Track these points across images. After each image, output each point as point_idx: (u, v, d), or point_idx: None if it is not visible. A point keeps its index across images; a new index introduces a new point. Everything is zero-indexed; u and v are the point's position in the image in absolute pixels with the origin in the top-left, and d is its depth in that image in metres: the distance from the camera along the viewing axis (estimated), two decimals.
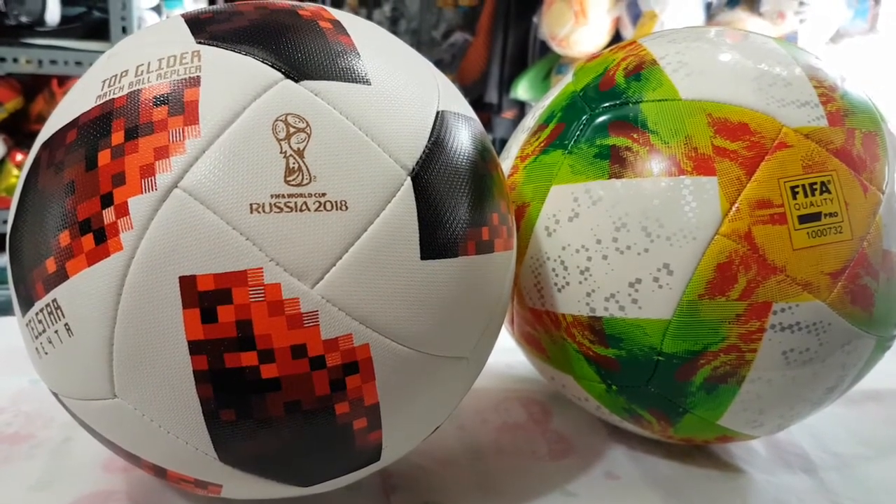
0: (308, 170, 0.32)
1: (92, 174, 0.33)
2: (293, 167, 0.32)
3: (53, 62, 1.56)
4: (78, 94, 0.37)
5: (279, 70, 0.34)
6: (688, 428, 0.47)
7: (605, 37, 1.91)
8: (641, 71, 0.46)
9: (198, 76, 0.34)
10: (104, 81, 0.35)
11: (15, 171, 1.60)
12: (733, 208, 0.41)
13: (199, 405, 0.33)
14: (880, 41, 1.82)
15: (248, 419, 0.33)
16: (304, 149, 0.33)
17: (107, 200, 0.32)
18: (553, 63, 2.02)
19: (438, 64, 2.13)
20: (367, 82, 0.36)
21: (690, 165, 0.42)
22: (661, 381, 0.44)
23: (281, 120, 0.33)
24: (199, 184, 0.32)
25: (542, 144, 0.48)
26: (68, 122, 0.35)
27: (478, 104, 2.11)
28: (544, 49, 1.99)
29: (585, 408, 0.51)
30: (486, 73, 2.05)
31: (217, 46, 0.35)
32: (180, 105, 0.33)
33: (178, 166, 0.32)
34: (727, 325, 0.41)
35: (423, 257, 0.35)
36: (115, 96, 0.34)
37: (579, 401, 0.50)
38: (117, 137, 0.33)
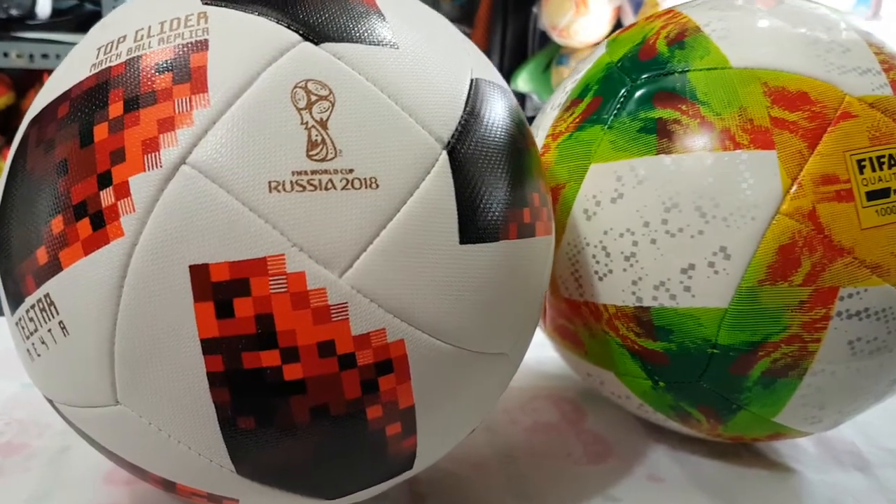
0: (333, 143, 0.29)
1: (87, 151, 0.29)
2: (316, 140, 0.28)
3: (45, 56, 1.52)
4: (69, 64, 0.33)
5: (296, 31, 0.30)
6: (740, 426, 0.43)
7: (607, 26, 1.88)
8: (685, 38, 0.42)
9: (205, 39, 0.30)
10: (99, 49, 0.31)
11: None
12: (795, 185, 0.37)
13: (215, 412, 0.29)
14: (883, 28, 1.79)
15: (270, 427, 0.29)
16: (327, 119, 0.29)
17: (104, 180, 0.28)
18: (553, 54, 1.97)
19: None
20: (394, 46, 0.32)
21: (747, 139, 0.38)
22: (715, 376, 0.40)
23: (300, 86, 0.29)
24: (211, 159, 0.28)
25: (577, 120, 0.44)
26: (59, 94, 0.31)
27: None
28: (544, 40, 1.94)
29: (624, 406, 0.48)
30: None
31: (225, 6, 0.31)
32: (186, 72, 0.29)
33: (185, 140, 0.28)
34: (789, 313, 0.38)
35: (462, 241, 0.31)
36: (112, 64, 0.30)
37: (619, 399, 0.47)
38: (115, 109, 0.29)
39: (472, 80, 0.34)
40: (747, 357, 0.39)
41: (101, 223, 0.28)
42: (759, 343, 0.38)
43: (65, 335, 0.30)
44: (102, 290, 0.28)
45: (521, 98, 2.02)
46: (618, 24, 1.89)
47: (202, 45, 0.30)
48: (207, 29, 0.30)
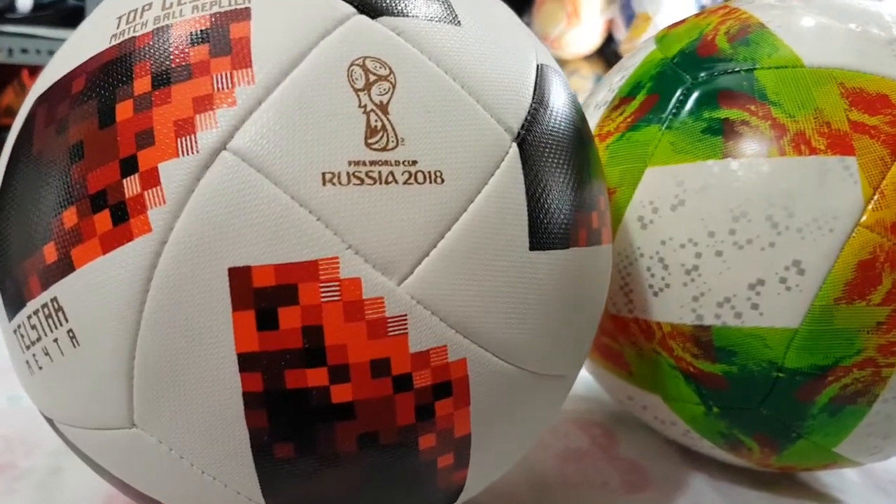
0: (395, 130, 0.25)
1: (108, 132, 0.25)
2: (376, 126, 0.25)
3: (24, 51, 1.46)
4: (83, 35, 0.29)
5: (349, 2, 0.27)
6: (796, 456, 0.40)
7: (598, 38, 1.87)
8: (749, 35, 0.39)
9: (247, 7, 0.26)
10: (121, 18, 0.27)
11: None
12: (877, 194, 0.34)
13: (248, 437, 0.25)
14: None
15: (311, 456, 0.25)
16: (388, 102, 0.25)
17: (129, 166, 0.24)
18: None
19: None
20: (457, 22, 0.28)
21: (823, 143, 0.35)
22: (778, 402, 0.37)
23: (358, 64, 0.25)
24: (256, 145, 0.24)
25: (630, 119, 0.40)
26: (74, 67, 0.27)
27: None
28: None
29: (664, 431, 0.44)
30: None
31: None
32: (226, 43, 0.25)
33: (226, 122, 0.24)
34: (865, 334, 0.35)
35: (532, 247, 0.27)
36: (137, 34, 0.26)
37: (661, 424, 0.43)
38: (141, 85, 0.25)
39: (538, 66, 0.30)
40: (815, 382, 0.36)
41: (123, 216, 0.24)
42: (829, 367, 0.35)
43: (74, 346, 0.25)
44: (123, 295, 0.24)
45: None
46: (609, 37, 1.87)
47: (244, 14, 0.26)
48: None
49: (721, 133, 0.36)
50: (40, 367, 0.27)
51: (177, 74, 0.25)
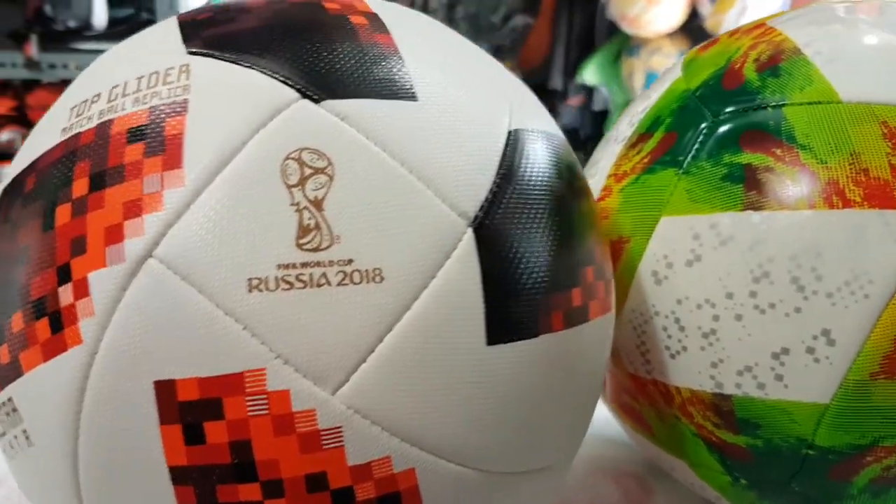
0: (329, 227, 0.23)
1: (48, 237, 0.24)
2: (308, 224, 0.23)
3: None
4: (45, 124, 0.29)
5: (294, 87, 0.25)
6: None
7: (681, 15, 1.75)
8: (780, 63, 0.34)
9: (184, 100, 0.25)
10: (73, 109, 0.27)
11: None
12: None
13: None
14: None
15: None
16: (323, 197, 0.23)
17: (64, 274, 0.24)
18: (623, 44, 1.86)
19: (498, 50, 2.01)
20: (412, 97, 0.26)
21: (860, 193, 0.30)
22: (810, 481, 0.33)
23: (293, 158, 0.24)
24: (182, 252, 0.23)
25: (647, 161, 0.37)
26: (31, 161, 0.27)
27: (540, 92, 1.97)
28: (613, 29, 1.84)
29: (698, 493, 0.41)
30: (549, 58, 1.90)
31: (213, 57, 0.26)
32: (160, 142, 0.24)
33: (153, 228, 0.23)
34: None
35: (490, 342, 0.25)
36: (83, 129, 0.26)
37: (692, 486, 0.40)
38: (80, 187, 0.24)
39: (510, 133, 0.28)
40: (852, 462, 0.32)
41: (59, 326, 0.24)
42: (867, 447, 0.31)
43: (28, 445, 0.26)
44: (63, 404, 0.24)
45: (589, 91, 1.92)
46: (693, 13, 1.76)
47: (181, 108, 0.25)
48: (189, 86, 0.25)
49: (742, 181, 0.33)
50: (14, 454, 0.28)
51: (111, 176, 0.24)
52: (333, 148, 0.24)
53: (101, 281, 0.23)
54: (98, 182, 0.24)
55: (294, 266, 0.23)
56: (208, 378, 0.22)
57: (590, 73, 1.82)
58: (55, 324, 0.24)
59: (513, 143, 0.28)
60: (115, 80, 0.27)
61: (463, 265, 0.25)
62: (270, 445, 0.23)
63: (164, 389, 0.23)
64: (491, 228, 0.25)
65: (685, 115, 0.36)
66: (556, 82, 1.90)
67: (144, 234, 0.23)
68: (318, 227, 0.23)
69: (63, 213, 0.24)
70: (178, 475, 0.23)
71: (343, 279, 0.23)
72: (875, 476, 0.32)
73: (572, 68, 1.88)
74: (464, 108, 0.27)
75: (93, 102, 0.26)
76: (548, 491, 0.30)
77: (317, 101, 0.25)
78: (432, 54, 0.29)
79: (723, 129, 0.34)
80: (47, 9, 1.39)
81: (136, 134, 0.25)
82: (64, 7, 1.39)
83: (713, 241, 0.33)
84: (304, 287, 0.23)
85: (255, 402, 0.23)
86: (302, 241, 0.23)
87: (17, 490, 0.30)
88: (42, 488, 0.27)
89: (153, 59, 0.27)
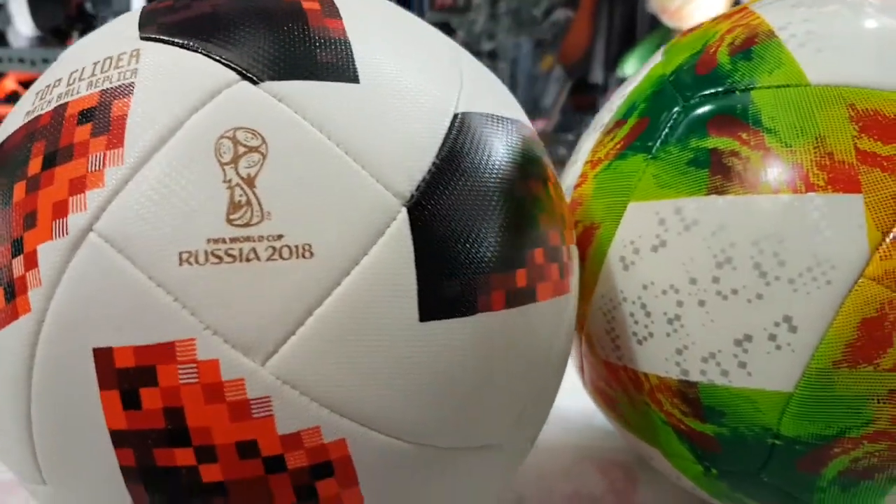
0: (260, 204, 0.24)
1: (6, 212, 0.26)
2: (239, 201, 0.24)
3: None
4: (16, 109, 0.30)
5: (234, 69, 0.26)
6: None
7: (724, 7, 1.71)
8: (753, 46, 0.34)
9: (131, 83, 0.26)
10: (37, 94, 0.29)
11: None
12: (887, 240, 0.28)
13: None
14: None
15: None
16: (255, 175, 0.24)
17: (17, 247, 0.25)
18: (664, 37, 1.83)
19: (540, 44, 1.99)
20: (354, 80, 0.27)
21: (823, 178, 0.29)
22: (779, 471, 0.32)
23: (228, 137, 0.25)
24: (119, 227, 0.24)
25: (619, 146, 0.37)
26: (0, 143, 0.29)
27: (581, 86, 1.95)
28: (654, 22, 1.80)
29: (679, 485, 0.40)
30: (590, 51, 1.88)
31: (163, 42, 0.27)
32: (106, 122, 0.25)
33: (94, 203, 0.24)
34: (875, 403, 0.29)
35: (423, 318, 0.25)
36: (42, 112, 0.27)
37: (671, 477, 0.39)
38: (34, 165, 0.26)
39: (456, 116, 0.28)
40: (819, 453, 0.31)
41: (12, 295, 0.25)
42: (833, 438, 0.30)
43: None
44: (16, 369, 0.25)
45: None
46: (736, 4, 1.72)
47: (127, 90, 0.26)
48: (136, 70, 0.26)
49: (708, 165, 0.32)
50: None
51: (61, 155, 0.25)
52: (268, 127, 0.25)
53: (47, 253, 0.24)
54: (50, 160, 0.25)
55: (224, 241, 0.24)
56: (143, 346, 0.23)
57: (630, 67, 1.80)
58: (9, 293, 0.25)
59: (458, 126, 0.28)
60: (75, 66, 0.28)
61: (395, 243, 0.25)
62: (202, 413, 0.24)
63: (103, 356, 0.24)
64: (427, 209, 0.26)
65: (658, 100, 0.36)
66: (597, 76, 1.88)
67: (87, 209, 0.24)
68: (248, 203, 0.24)
69: (19, 190, 0.26)
70: (118, 438, 0.24)
71: (272, 254, 0.24)
72: (843, 468, 0.31)
73: (613, 62, 1.86)
74: (408, 92, 0.27)
75: (54, 87, 0.28)
76: (495, 470, 0.31)
77: (256, 83, 0.26)
78: (384, 39, 0.29)
79: (692, 113, 0.34)
80: (88, 6, 1.45)
81: (86, 115, 0.26)
82: (104, 4, 1.44)
83: (678, 226, 0.32)
84: (234, 261, 0.24)
85: (186, 371, 0.23)
86: (232, 217, 0.24)
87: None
88: (13, 452, 0.28)
89: (110, 45, 0.28)
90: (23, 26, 1.50)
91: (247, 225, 0.24)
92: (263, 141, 0.25)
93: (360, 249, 0.25)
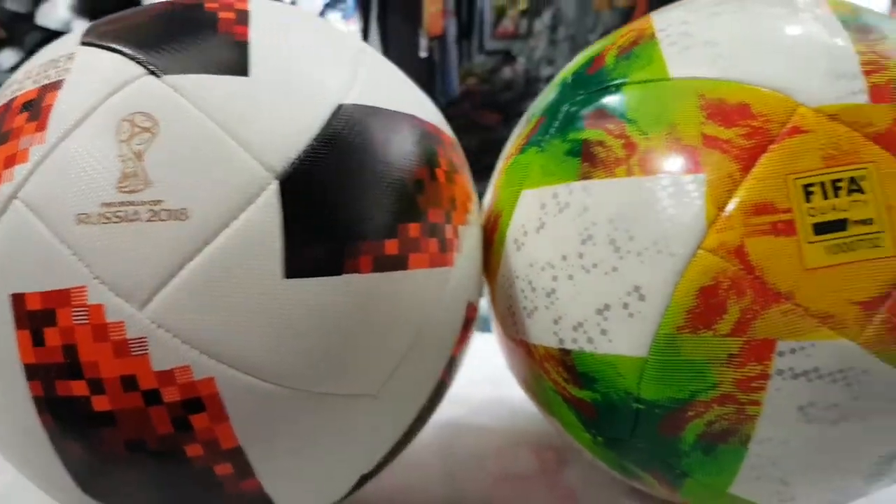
0: (146, 174, 0.29)
1: None
2: (129, 172, 0.29)
3: None
4: None
5: (142, 64, 0.31)
6: (694, 494, 0.37)
7: None
8: (634, 48, 0.37)
9: (63, 79, 0.31)
10: (7, 86, 0.34)
11: None
12: (723, 214, 0.31)
13: (47, 436, 0.30)
14: None
15: (96, 456, 0.30)
16: (144, 150, 0.29)
17: None
18: None
19: None
20: (243, 73, 0.31)
21: (672, 161, 0.32)
22: (646, 435, 0.35)
23: (127, 120, 0.30)
24: (35, 194, 0.29)
25: (522, 143, 0.40)
26: None
27: None
28: None
29: (596, 465, 0.42)
30: None
31: (94, 46, 0.33)
32: (38, 111, 0.31)
33: (19, 175, 0.30)
34: (718, 367, 0.32)
35: (287, 275, 0.29)
36: (1, 103, 0.33)
37: (586, 456, 0.42)
38: None
39: (340, 106, 0.32)
40: (676, 416, 0.33)
41: None
42: (686, 401, 0.33)
43: None
44: None
45: None
46: None
47: (59, 85, 0.31)
48: (69, 69, 0.32)
49: (580, 154, 0.35)
50: None
51: (3, 137, 0.31)
52: (161, 112, 0.30)
53: None
54: None
55: (113, 205, 0.28)
56: (46, 292, 0.28)
57: None
58: None
59: (341, 115, 0.32)
60: (31, 66, 0.34)
61: (265, 210, 0.29)
62: (91, 349, 0.28)
63: (17, 301, 0.29)
64: (298, 182, 0.30)
65: (555, 99, 0.40)
66: None
67: (14, 179, 0.29)
68: (135, 174, 0.29)
69: None
70: (30, 371, 0.29)
71: (152, 216, 0.28)
72: (700, 432, 0.33)
73: None
74: (294, 85, 0.32)
75: (13, 83, 0.34)
76: (375, 418, 0.34)
77: (159, 77, 0.31)
78: (283, 42, 0.34)
79: (575, 109, 0.37)
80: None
81: (26, 106, 0.31)
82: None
83: (554, 209, 0.36)
84: (120, 222, 0.28)
85: (79, 313, 0.28)
86: (122, 185, 0.29)
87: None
88: None
89: (57, 49, 0.34)
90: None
91: (132, 191, 0.29)
92: (156, 122, 0.29)
93: (232, 214, 0.29)
